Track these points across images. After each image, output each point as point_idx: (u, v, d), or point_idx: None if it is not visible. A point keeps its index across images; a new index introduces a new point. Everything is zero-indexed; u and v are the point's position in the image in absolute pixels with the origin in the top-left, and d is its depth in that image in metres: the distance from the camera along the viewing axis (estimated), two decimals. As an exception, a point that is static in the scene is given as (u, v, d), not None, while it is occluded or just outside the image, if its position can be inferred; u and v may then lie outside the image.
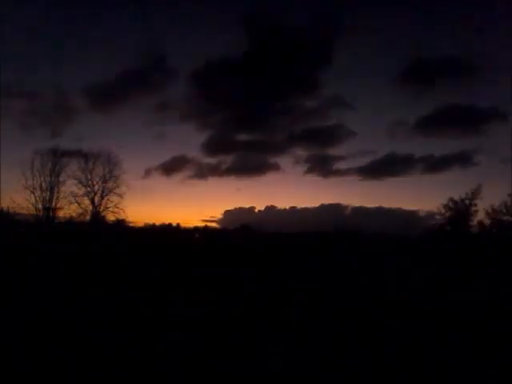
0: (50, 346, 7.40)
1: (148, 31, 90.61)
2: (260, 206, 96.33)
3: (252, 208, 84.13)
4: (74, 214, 43.74)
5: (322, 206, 76.27)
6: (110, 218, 45.10)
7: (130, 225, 56.93)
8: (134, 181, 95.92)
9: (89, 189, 43.26)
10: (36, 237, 41.55)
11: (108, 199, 43.77)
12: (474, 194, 41.55)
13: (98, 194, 43.58)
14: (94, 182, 43.59)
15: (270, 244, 49.70)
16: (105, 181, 43.80)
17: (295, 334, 9.10)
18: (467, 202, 41.76)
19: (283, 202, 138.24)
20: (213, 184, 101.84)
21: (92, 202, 43.25)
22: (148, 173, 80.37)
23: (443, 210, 43.35)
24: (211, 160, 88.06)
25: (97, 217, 43.67)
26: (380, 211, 69.25)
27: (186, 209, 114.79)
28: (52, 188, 42.38)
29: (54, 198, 42.53)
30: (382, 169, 76.02)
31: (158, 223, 70.52)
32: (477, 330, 10.02)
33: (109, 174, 43.97)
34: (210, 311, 11.27)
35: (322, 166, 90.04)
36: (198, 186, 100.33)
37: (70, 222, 44.52)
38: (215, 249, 46.08)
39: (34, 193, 41.75)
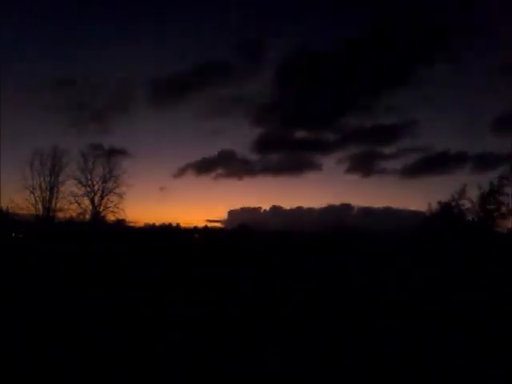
0: (50, 346, 7.46)
1: (222, 25, 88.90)
2: (293, 206, 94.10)
3: (257, 208, 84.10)
4: (74, 214, 43.81)
5: (329, 206, 76.09)
6: (110, 217, 45.17)
7: (130, 225, 57.01)
8: (166, 178, 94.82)
9: (89, 189, 43.28)
10: (36, 237, 41.58)
11: (108, 199, 43.84)
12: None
13: (98, 194, 43.63)
14: (94, 182, 43.65)
15: (269, 244, 49.73)
16: (105, 181, 43.86)
17: (292, 333, 9.16)
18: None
19: (313, 202, 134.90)
20: (246, 183, 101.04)
21: (92, 202, 43.28)
22: (183, 170, 79.31)
23: (438, 210, 43.38)
24: (255, 158, 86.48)
25: (97, 217, 43.70)
26: (387, 211, 68.70)
27: (206, 208, 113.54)
28: (52, 188, 42.44)
29: (54, 198, 42.61)
30: (425, 167, 69.12)
31: (158, 223, 70.58)
32: (480, 330, 10.04)
33: (109, 173, 44.02)
34: (210, 311, 11.33)
35: (365, 165, 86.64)
36: (228, 185, 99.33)
37: (70, 222, 44.55)
38: (214, 249, 46.13)
39: (33, 193, 41.84)
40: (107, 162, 44.04)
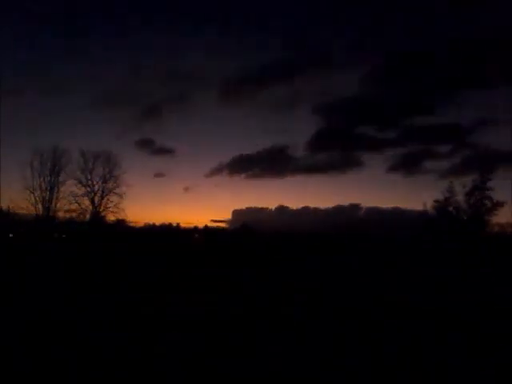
0: (50, 346, 7.40)
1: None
2: (328, 205, 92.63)
3: (262, 208, 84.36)
4: (74, 214, 43.82)
5: (337, 206, 76.21)
6: (110, 218, 45.20)
7: (130, 225, 57.08)
8: (197, 177, 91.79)
9: (89, 189, 43.39)
10: (36, 237, 41.60)
11: (108, 199, 43.88)
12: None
13: (98, 194, 43.69)
14: (94, 182, 43.71)
15: (271, 244, 49.74)
16: (105, 181, 43.89)
17: (295, 333, 9.10)
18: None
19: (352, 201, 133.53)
20: (283, 182, 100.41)
21: (92, 202, 43.32)
22: (217, 169, 78.97)
23: (432, 211, 43.17)
24: (305, 156, 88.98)
25: (97, 217, 43.70)
26: (395, 211, 68.50)
27: (226, 208, 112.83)
28: (52, 188, 42.48)
29: (54, 198, 42.63)
30: (472, 167, 65.49)
31: (158, 223, 70.66)
32: (476, 330, 10.02)
33: (109, 174, 44.09)
34: (210, 311, 11.27)
35: (410, 165, 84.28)
36: (260, 184, 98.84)
37: (70, 222, 44.56)
38: (214, 249, 46.13)
39: (33, 193, 41.85)
40: (107, 162, 44.13)
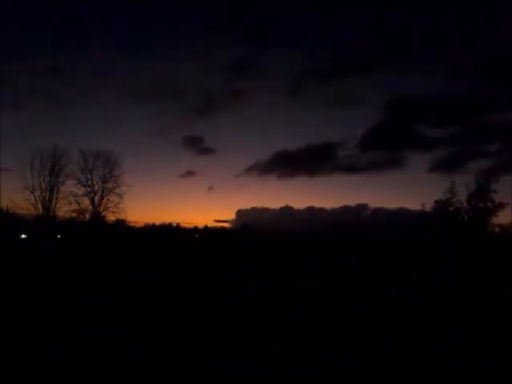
0: (50, 346, 7.40)
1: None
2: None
3: (265, 208, 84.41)
4: (74, 214, 43.82)
5: (344, 207, 76.12)
6: (110, 217, 45.18)
7: (130, 225, 57.09)
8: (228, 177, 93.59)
9: (89, 189, 43.35)
10: (36, 237, 41.59)
11: (108, 199, 43.85)
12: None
13: (98, 194, 43.66)
14: (94, 182, 43.66)
15: (271, 244, 49.74)
16: (105, 181, 43.85)
17: (295, 333, 9.10)
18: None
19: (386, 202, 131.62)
20: (315, 182, 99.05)
21: (92, 202, 43.29)
22: (250, 168, 78.59)
23: (431, 210, 43.09)
24: (353, 154, 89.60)
25: (97, 217, 43.69)
26: (400, 211, 68.41)
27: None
28: (52, 188, 42.45)
29: (54, 198, 42.61)
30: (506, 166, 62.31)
31: (158, 223, 70.69)
32: (476, 330, 10.01)
33: (109, 174, 44.05)
34: (210, 311, 11.27)
35: (453, 164, 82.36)
36: (285, 186, 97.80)
37: (70, 222, 44.55)
38: (214, 249, 46.12)
39: (33, 193, 41.82)
40: (107, 162, 44.11)
